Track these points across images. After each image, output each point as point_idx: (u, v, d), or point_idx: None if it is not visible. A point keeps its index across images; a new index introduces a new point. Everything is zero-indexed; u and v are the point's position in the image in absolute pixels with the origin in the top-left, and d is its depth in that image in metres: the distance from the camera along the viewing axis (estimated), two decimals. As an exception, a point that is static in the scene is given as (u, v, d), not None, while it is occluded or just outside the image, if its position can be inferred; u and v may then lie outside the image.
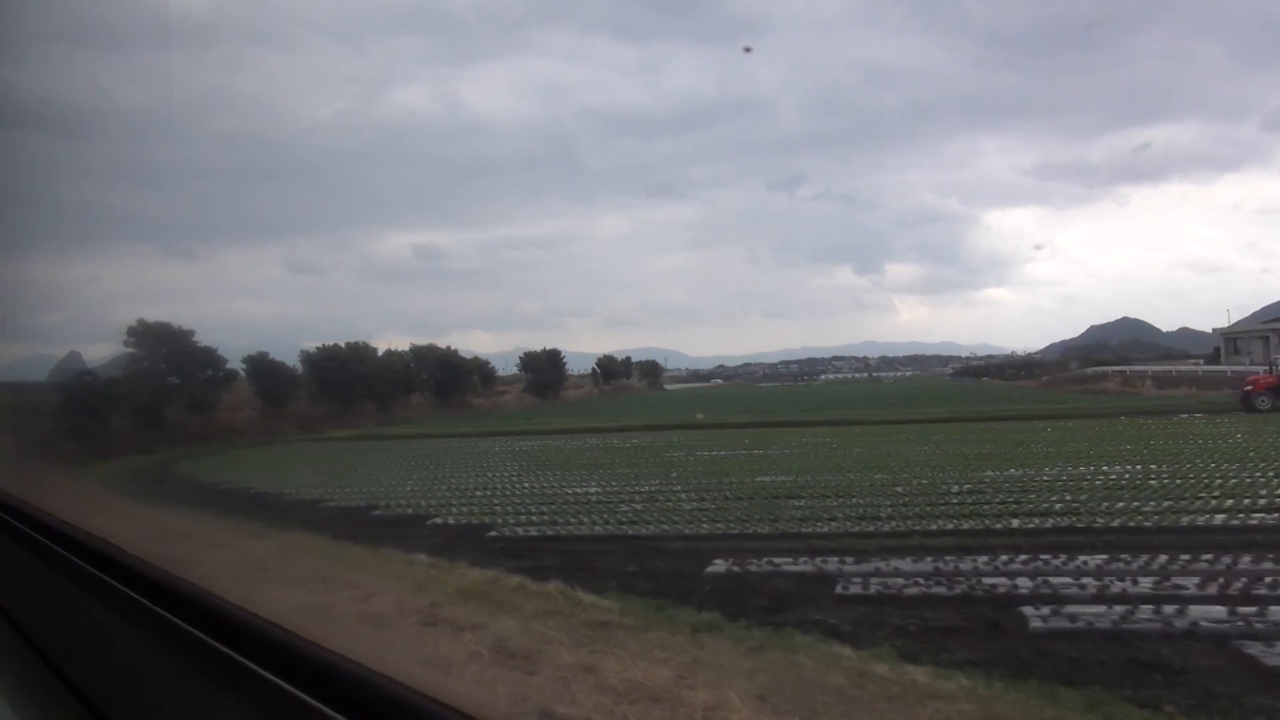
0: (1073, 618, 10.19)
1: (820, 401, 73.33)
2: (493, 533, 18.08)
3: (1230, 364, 67.98)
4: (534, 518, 19.47)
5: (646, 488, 23.22)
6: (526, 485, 25.34)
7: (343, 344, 57.64)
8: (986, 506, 17.85)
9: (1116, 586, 11.44)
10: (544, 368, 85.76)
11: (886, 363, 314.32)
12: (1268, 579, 11.43)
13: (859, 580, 12.38)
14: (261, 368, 50.91)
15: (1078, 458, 24.79)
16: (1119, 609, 10.38)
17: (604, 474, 26.79)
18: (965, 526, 16.03)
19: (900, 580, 12.29)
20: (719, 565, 13.95)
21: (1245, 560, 12.50)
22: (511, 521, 19.12)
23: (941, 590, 11.73)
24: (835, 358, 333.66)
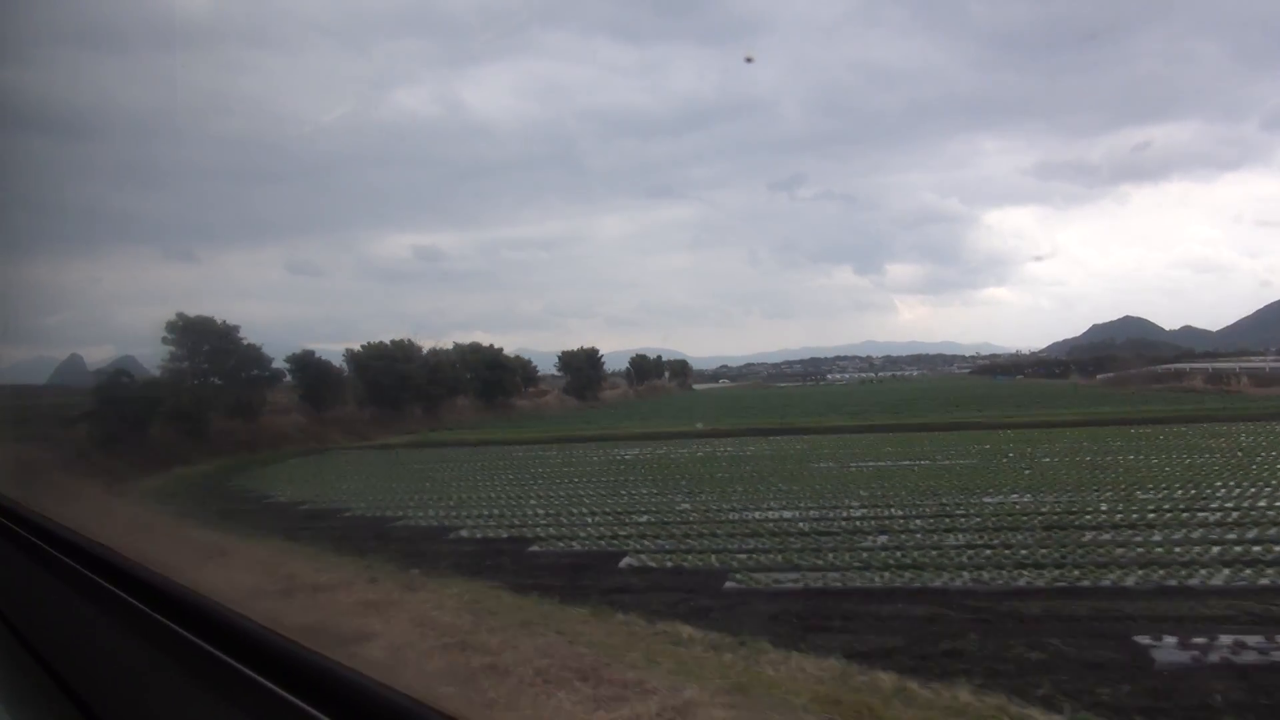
0: None
1: (875, 402, 69.00)
2: (732, 583, 13.78)
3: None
4: (763, 558, 15.16)
5: (853, 512, 18.96)
6: (685, 505, 21.07)
7: (388, 341, 53.19)
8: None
9: None
10: (583, 367, 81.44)
11: (891, 362, 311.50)
12: None
13: None
14: (308, 368, 46.29)
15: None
16: None
17: (770, 492, 22.46)
18: None
19: None
20: (1169, 647, 9.69)
21: None
22: (744, 564, 14.80)
23: None
24: (839, 357, 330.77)
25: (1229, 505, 17.27)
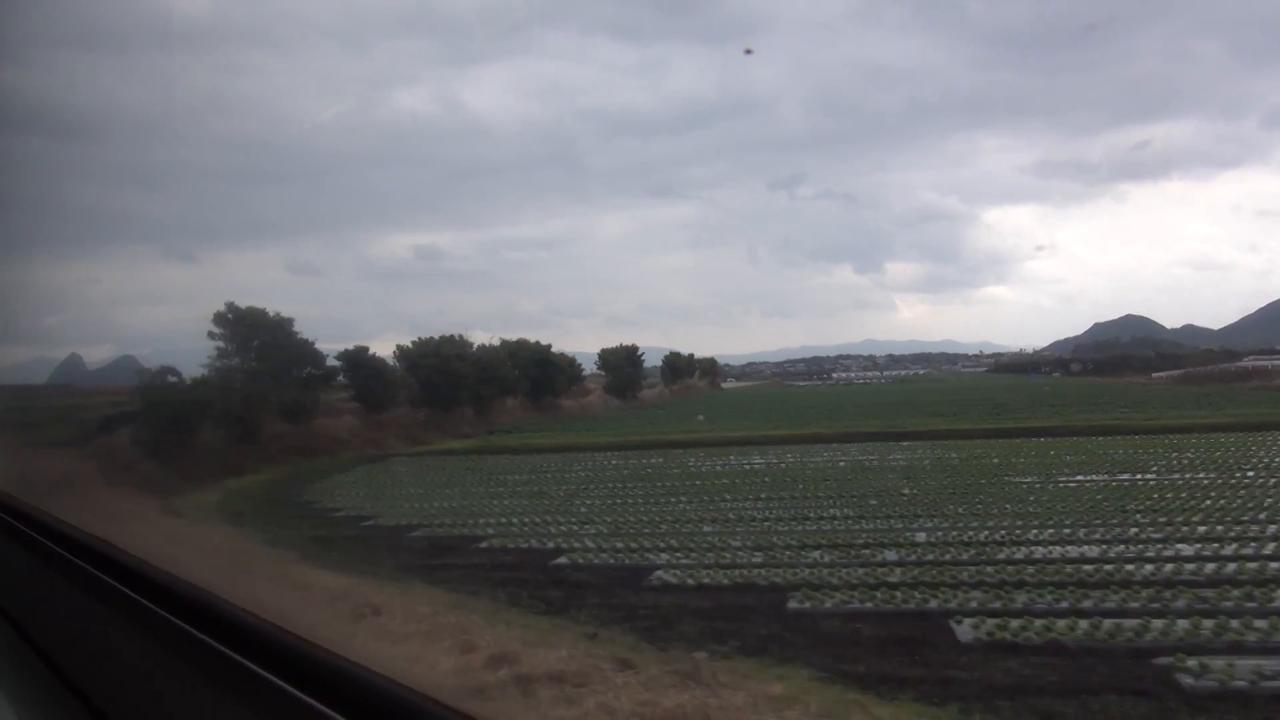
0: None
1: (932, 402, 64.67)
2: (1189, 678, 9.49)
3: None
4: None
5: (1148, 546, 14.80)
6: (922, 536, 16.82)
7: (436, 336, 48.62)
8: None
9: None
10: (623, 365, 77.02)
11: (895, 361, 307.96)
12: None
13: None
14: (361, 366, 41.67)
15: None
16: None
17: (1041, 515, 18.16)
18: None
19: None
20: None
21: None
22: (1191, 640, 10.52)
23: None
24: (842, 356, 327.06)
25: None
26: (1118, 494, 20.18)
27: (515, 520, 21.28)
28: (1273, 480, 21.15)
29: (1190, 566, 13.52)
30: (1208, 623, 10.75)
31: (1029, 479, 23.33)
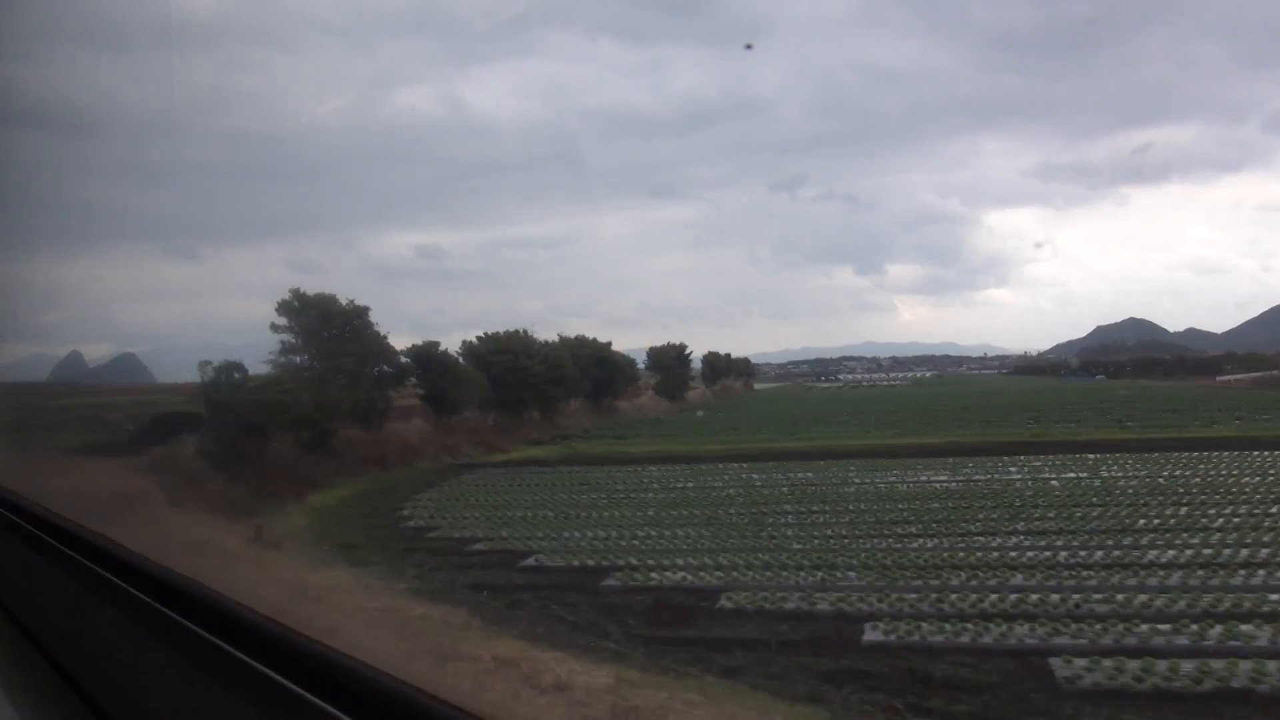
0: None
1: (994, 407, 59.97)
2: None
3: None
4: None
5: None
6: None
7: (502, 332, 43.72)
8: None
9: None
10: (672, 365, 72.27)
11: (899, 363, 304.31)
12: None
13: None
14: (432, 364, 36.57)
15: None
16: None
17: None
18: None
19: None
20: None
21: None
22: None
23: None
24: (845, 358, 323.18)
25: None
26: None
27: (724, 560, 16.63)
28: None
29: None
30: None
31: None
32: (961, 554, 16.40)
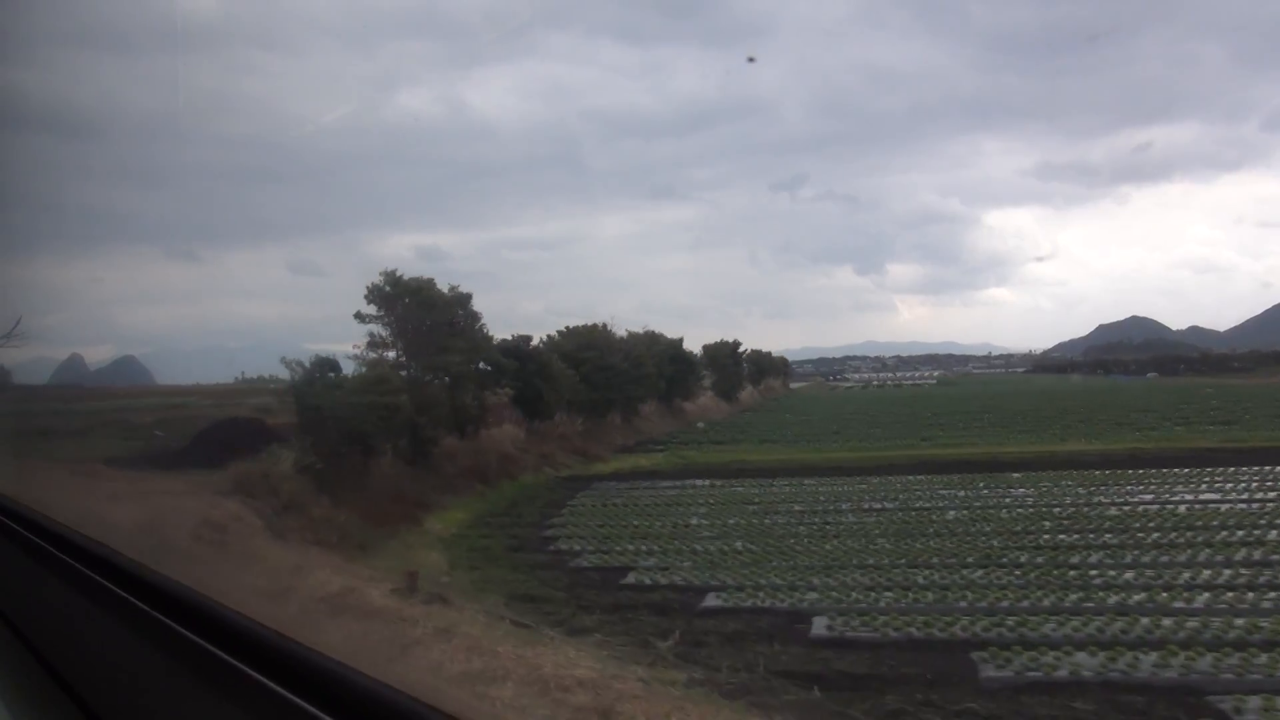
0: None
1: (1060, 410, 54.88)
2: None
3: None
4: None
5: None
6: None
7: (583, 324, 38.73)
8: None
9: None
10: (727, 364, 67.44)
11: (904, 363, 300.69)
12: None
13: None
14: (527, 361, 31.30)
15: None
16: None
17: None
18: None
19: None
20: None
21: None
22: None
23: None
24: (849, 358, 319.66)
25: None
26: None
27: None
28: None
29: None
30: None
31: None
32: None
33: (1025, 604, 13.17)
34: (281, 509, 18.54)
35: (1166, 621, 12.03)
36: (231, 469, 20.50)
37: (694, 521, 21.20)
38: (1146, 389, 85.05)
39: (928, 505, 22.22)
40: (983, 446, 33.79)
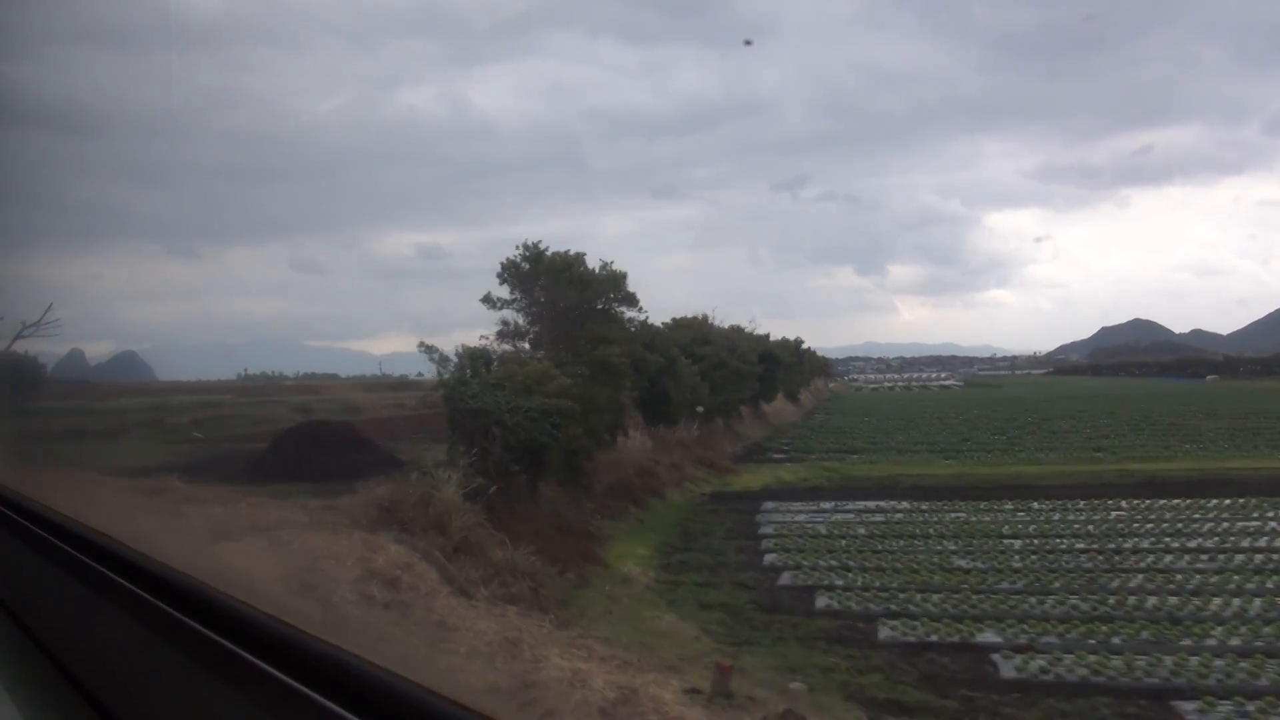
0: None
1: (1155, 415, 50.45)
2: None
3: None
4: None
5: None
6: None
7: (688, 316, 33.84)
8: None
9: None
10: (791, 363, 62.63)
11: (908, 363, 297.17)
12: None
13: None
14: (654, 355, 26.37)
15: None
16: None
17: None
18: None
19: None
20: None
21: None
22: None
23: None
24: (853, 358, 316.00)
25: None
26: None
27: None
28: None
29: None
30: None
31: None
32: None
33: None
34: (452, 550, 13.66)
35: None
36: (363, 491, 15.54)
37: (961, 563, 16.40)
38: (1229, 391, 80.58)
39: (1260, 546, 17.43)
40: (1163, 462, 29.15)
